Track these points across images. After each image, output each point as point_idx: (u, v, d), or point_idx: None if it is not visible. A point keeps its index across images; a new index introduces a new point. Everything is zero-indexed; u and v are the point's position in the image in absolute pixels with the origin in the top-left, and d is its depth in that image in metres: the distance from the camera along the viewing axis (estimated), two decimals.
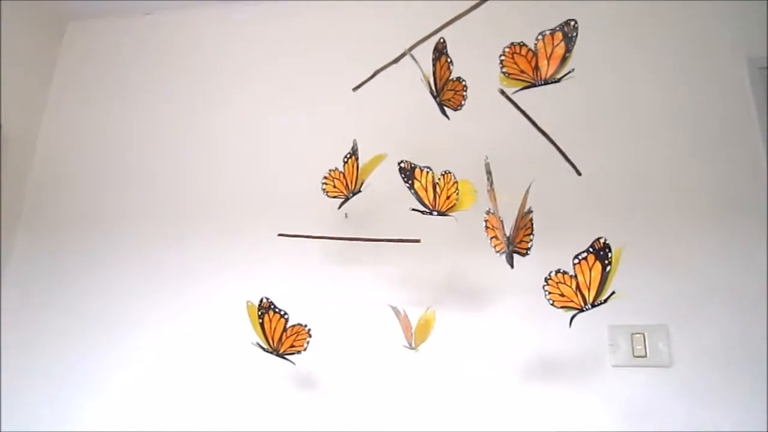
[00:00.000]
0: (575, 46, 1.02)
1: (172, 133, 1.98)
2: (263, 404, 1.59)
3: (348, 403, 1.56)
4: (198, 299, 1.74)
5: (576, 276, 1.03)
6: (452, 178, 1.22)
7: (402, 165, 1.25)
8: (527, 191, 1.09)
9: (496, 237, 1.12)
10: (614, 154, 1.63)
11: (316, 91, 1.90)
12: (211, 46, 2.06)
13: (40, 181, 2.00)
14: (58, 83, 2.12)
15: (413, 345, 1.29)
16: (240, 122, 1.93)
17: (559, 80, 1.05)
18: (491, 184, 1.12)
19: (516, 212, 1.12)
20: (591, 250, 1.02)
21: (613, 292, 1.02)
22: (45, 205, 1.97)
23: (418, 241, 1.42)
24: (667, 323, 1.46)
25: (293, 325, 1.33)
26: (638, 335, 1.46)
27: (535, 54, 1.04)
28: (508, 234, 1.09)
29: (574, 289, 1.04)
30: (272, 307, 1.32)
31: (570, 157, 1.11)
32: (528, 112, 1.10)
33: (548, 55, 1.04)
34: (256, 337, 1.33)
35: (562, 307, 1.06)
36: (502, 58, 1.05)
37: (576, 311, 1.05)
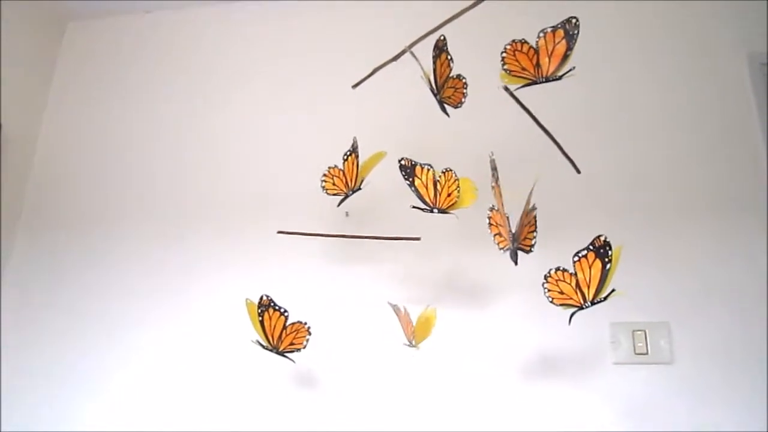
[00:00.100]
0: (576, 44, 1.03)
1: (172, 133, 1.98)
2: (264, 403, 1.59)
3: (348, 401, 1.55)
4: (198, 299, 1.74)
5: (576, 273, 1.03)
6: (453, 175, 1.22)
7: (402, 162, 1.25)
8: (532, 188, 1.09)
9: (500, 234, 1.12)
10: (614, 153, 1.64)
11: (316, 90, 1.90)
12: (211, 46, 2.06)
13: (40, 180, 2.00)
14: (58, 83, 2.13)
15: (414, 343, 1.28)
16: (240, 122, 1.93)
17: (560, 78, 1.05)
18: (497, 180, 1.11)
19: (517, 209, 1.12)
20: (591, 247, 1.02)
21: (613, 290, 1.01)
22: (45, 205, 1.97)
23: (418, 239, 1.42)
24: (669, 321, 1.46)
25: (293, 323, 1.32)
26: (639, 332, 1.46)
27: (536, 51, 1.04)
28: (513, 231, 1.08)
29: (574, 287, 1.04)
30: (272, 304, 1.31)
31: (571, 154, 1.11)
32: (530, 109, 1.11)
33: (550, 53, 1.04)
34: (256, 335, 1.33)
35: (561, 305, 1.05)
36: (504, 54, 1.05)
37: (575, 309, 1.05)
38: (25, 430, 1.69)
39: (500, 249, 1.12)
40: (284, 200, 1.77)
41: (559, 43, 1.02)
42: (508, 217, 1.08)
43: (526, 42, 1.04)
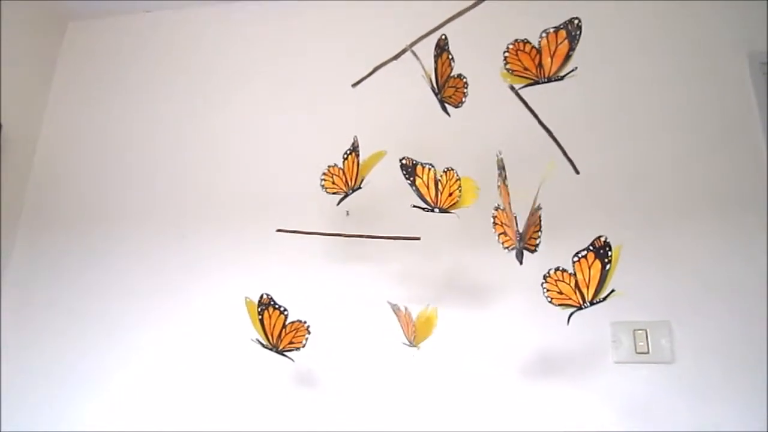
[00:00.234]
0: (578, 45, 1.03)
1: (172, 133, 1.98)
2: (264, 403, 1.59)
3: (348, 401, 1.55)
4: (198, 298, 1.74)
5: (575, 274, 1.03)
6: (455, 175, 1.22)
7: (404, 162, 1.25)
8: (539, 188, 1.09)
9: (504, 233, 1.11)
10: (615, 153, 1.64)
11: (316, 90, 1.90)
12: (211, 46, 2.06)
13: (41, 180, 2.00)
14: (59, 83, 2.13)
15: (414, 342, 1.28)
16: (240, 122, 1.94)
17: (562, 78, 1.05)
18: (504, 180, 1.11)
19: (517, 209, 1.11)
20: (591, 248, 1.02)
21: (612, 291, 1.01)
22: (45, 204, 1.97)
23: (417, 239, 1.42)
24: (670, 320, 1.46)
25: (292, 322, 1.32)
26: (640, 331, 1.46)
27: (539, 51, 1.04)
28: (520, 231, 1.08)
29: (573, 287, 1.04)
30: (272, 303, 1.31)
31: (571, 155, 1.10)
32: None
33: (552, 53, 1.04)
34: (256, 334, 1.33)
35: (560, 305, 1.05)
36: (506, 54, 1.05)
37: (574, 309, 1.05)
38: (25, 430, 1.69)
39: (505, 249, 1.11)
40: (284, 200, 1.77)
41: (561, 43, 1.02)
42: (515, 217, 1.08)
43: (528, 42, 1.04)
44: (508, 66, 1.06)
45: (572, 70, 1.04)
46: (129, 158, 1.97)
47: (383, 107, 1.77)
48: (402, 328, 1.30)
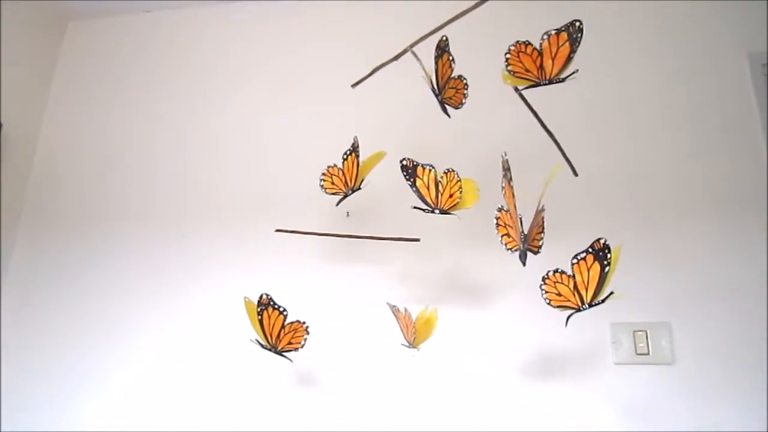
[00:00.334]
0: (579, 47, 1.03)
1: (172, 133, 1.98)
2: (264, 403, 1.59)
3: (348, 401, 1.56)
4: (198, 298, 1.74)
5: (574, 276, 1.03)
6: (455, 176, 1.22)
7: (404, 163, 1.25)
8: (543, 189, 1.08)
9: (507, 234, 1.11)
10: (615, 153, 1.64)
11: (316, 90, 1.90)
12: (211, 46, 2.06)
13: (41, 180, 2.00)
14: (59, 83, 2.13)
15: (414, 344, 1.28)
16: (240, 122, 1.94)
17: (563, 80, 1.05)
18: (509, 181, 1.11)
19: (520, 211, 1.11)
20: (590, 250, 1.02)
21: (611, 293, 1.01)
22: (45, 204, 1.97)
23: (417, 240, 1.42)
24: (670, 321, 1.46)
25: (291, 322, 1.32)
26: (641, 333, 1.46)
27: (540, 53, 1.04)
28: (525, 232, 1.08)
29: (572, 289, 1.03)
30: (271, 303, 1.31)
31: (571, 155, 1.11)
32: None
33: (553, 55, 1.04)
34: (256, 335, 1.33)
35: (558, 307, 1.05)
36: (508, 56, 1.05)
37: (573, 311, 1.05)
38: (25, 430, 1.69)
39: (508, 250, 1.11)
40: (284, 200, 1.77)
41: (562, 45, 1.02)
42: (521, 218, 1.08)
43: (530, 44, 1.04)
44: (509, 67, 1.06)
45: (573, 73, 1.04)
46: (129, 158, 1.97)
47: (383, 108, 1.78)
48: (401, 329, 1.30)
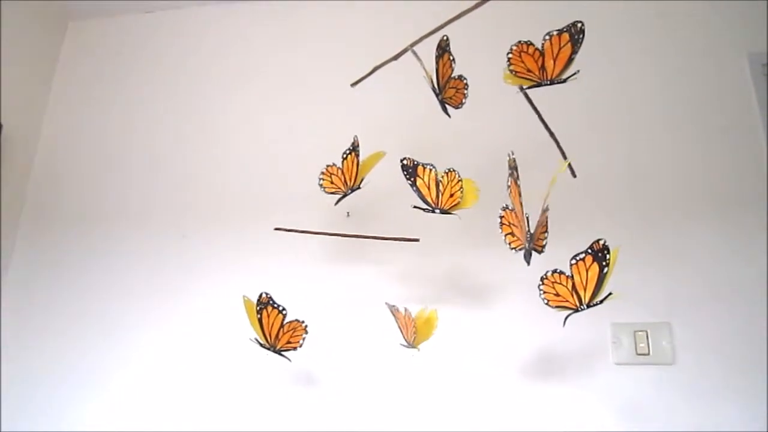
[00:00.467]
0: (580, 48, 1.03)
1: (172, 132, 1.98)
2: (265, 403, 1.59)
3: (348, 401, 1.55)
4: (198, 298, 1.73)
5: (572, 276, 1.03)
6: (456, 176, 1.22)
7: (404, 162, 1.25)
8: (549, 188, 1.08)
9: (512, 234, 1.11)
10: (615, 153, 1.64)
11: (316, 90, 1.90)
12: (211, 46, 2.06)
13: (41, 180, 2.00)
14: (59, 82, 2.12)
15: (414, 344, 1.28)
16: (240, 122, 1.93)
17: (564, 81, 1.05)
18: (516, 180, 1.11)
19: (524, 210, 1.11)
20: (589, 251, 1.01)
21: (610, 293, 1.01)
22: (45, 204, 1.97)
23: (416, 240, 1.42)
24: (670, 321, 1.46)
25: (290, 321, 1.32)
26: (641, 333, 1.46)
27: (542, 54, 1.04)
28: (531, 231, 1.08)
29: (570, 289, 1.03)
30: (271, 302, 1.31)
31: (571, 155, 1.11)
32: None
33: (555, 56, 1.04)
34: (255, 334, 1.33)
35: (556, 307, 1.05)
36: (510, 56, 1.05)
37: (571, 311, 1.05)
38: (25, 430, 1.68)
39: (512, 249, 1.11)
40: (284, 200, 1.77)
41: (564, 46, 1.02)
42: (528, 217, 1.08)
43: (532, 44, 1.04)
44: (511, 67, 1.06)
45: (574, 74, 1.04)
46: (129, 158, 1.97)
47: (383, 107, 1.78)
48: (400, 329, 1.29)
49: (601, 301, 1.02)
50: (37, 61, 2.08)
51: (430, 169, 1.24)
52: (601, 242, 1.01)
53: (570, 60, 1.03)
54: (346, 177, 1.36)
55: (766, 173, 1.53)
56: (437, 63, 1.20)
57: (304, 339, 1.32)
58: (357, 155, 1.35)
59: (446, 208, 1.24)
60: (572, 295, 1.03)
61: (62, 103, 2.09)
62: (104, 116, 2.04)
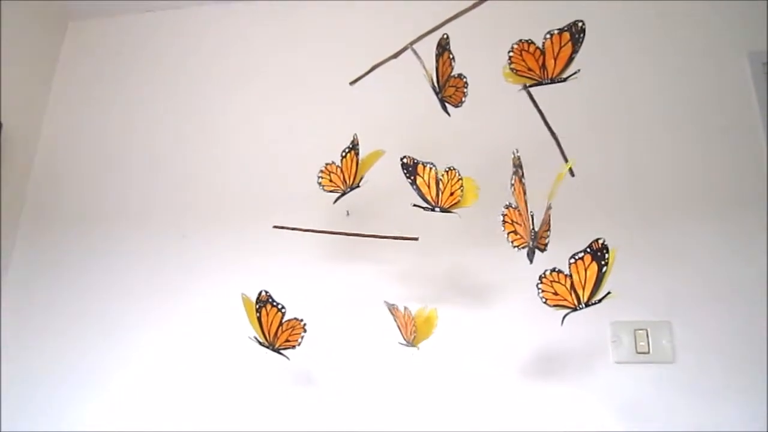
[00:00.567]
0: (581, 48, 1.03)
1: (172, 132, 1.98)
2: (265, 403, 1.59)
3: (348, 400, 1.55)
4: (198, 298, 1.73)
5: (571, 275, 1.03)
6: (456, 174, 1.22)
7: (405, 160, 1.25)
8: (553, 187, 1.08)
9: (515, 232, 1.11)
10: (615, 152, 1.64)
11: (316, 90, 1.90)
12: (211, 46, 2.06)
13: (41, 180, 2.00)
14: (59, 82, 2.12)
15: (414, 343, 1.27)
16: (240, 122, 1.93)
17: (565, 80, 1.05)
18: (521, 178, 1.11)
19: (527, 208, 1.11)
20: (588, 250, 1.01)
21: (609, 293, 1.01)
22: (46, 204, 1.97)
23: (416, 239, 1.42)
24: (671, 319, 1.46)
25: (289, 320, 1.31)
26: (641, 331, 1.46)
27: (542, 53, 1.04)
28: (536, 229, 1.08)
29: (569, 288, 1.03)
30: (270, 300, 1.31)
31: (571, 155, 1.11)
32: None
33: (555, 55, 1.04)
34: (254, 333, 1.32)
35: (554, 306, 1.05)
36: (511, 54, 1.05)
37: (569, 310, 1.05)
38: (25, 430, 1.68)
39: (515, 247, 1.11)
40: (284, 200, 1.77)
41: (564, 45, 1.02)
42: (532, 215, 1.08)
43: (533, 43, 1.04)
44: (512, 66, 1.06)
45: (575, 73, 1.04)
46: (129, 158, 1.97)
47: (383, 107, 1.78)
48: (399, 327, 1.29)
49: (600, 300, 1.02)
50: (37, 61, 2.08)
51: (431, 168, 1.24)
52: (600, 241, 1.01)
53: (570, 59, 1.03)
54: (345, 175, 1.36)
55: (766, 173, 1.53)
56: (437, 61, 1.20)
57: (302, 337, 1.32)
58: (356, 153, 1.35)
59: (446, 206, 1.24)
60: (570, 294, 1.03)
61: (62, 103, 2.10)
62: (104, 116, 2.04)
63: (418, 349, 1.26)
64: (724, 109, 1.62)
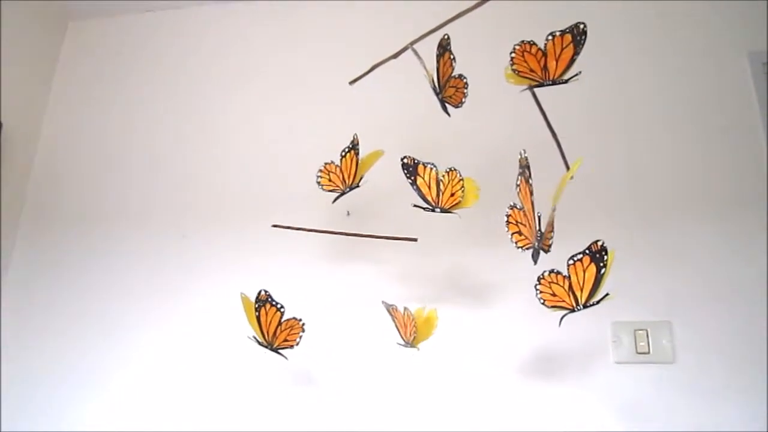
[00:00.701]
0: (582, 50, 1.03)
1: (172, 132, 1.98)
2: (265, 403, 1.59)
3: (348, 400, 1.55)
4: (198, 298, 1.73)
5: (569, 276, 1.03)
6: (457, 175, 1.22)
7: (405, 161, 1.25)
8: (560, 187, 1.08)
9: (519, 233, 1.11)
10: (616, 151, 1.64)
11: (316, 90, 1.90)
12: (211, 46, 2.06)
13: (41, 180, 2.00)
14: (59, 82, 2.12)
15: (414, 343, 1.27)
16: (240, 122, 1.93)
17: (566, 82, 1.05)
18: (527, 179, 1.11)
19: (533, 209, 1.11)
20: (587, 251, 1.01)
21: (607, 294, 1.01)
22: (46, 204, 1.97)
23: (415, 239, 1.42)
24: (671, 320, 1.46)
25: (288, 319, 1.31)
26: (641, 331, 1.46)
27: (544, 54, 1.05)
28: (542, 230, 1.08)
29: (567, 289, 1.03)
30: (269, 299, 1.31)
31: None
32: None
33: (557, 56, 1.04)
34: (253, 332, 1.32)
35: (552, 307, 1.05)
36: (513, 55, 1.05)
37: (567, 311, 1.05)
38: (25, 430, 1.68)
39: (519, 248, 1.11)
40: (284, 200, 1.77)
41: (566, 47, 1.03)
42: (539, 217, 1.08)
43: (535, 44, 1.04)
44: (514, 67, 1.06)
45: (576, 75, 1.04)
46: (129, 158, 1.97)
47: (383, 107, 1.78)
48: (398, 328, 1.29)
49: (598, 302, 1.02)
50: (37, 61, 2.08)
51: (431, 168, 1.24)
52: (599, 243, 1.01)
53: (572, 61, 1.04)
54: (344, 175, 1.36)
55: (766, 173, 1.53)
56: (438, 62, 1.20)
57: (300, 337, 1.32)
58: (356, 153, 1.34)
59: (446, 207, 1.23)
60: (569, 296, 1.03)
61: (62, 103, 2.09)
62: (104, 116, 2.04)
63: (418, 349, 1.26)
64: (724, 109, 1.62)
